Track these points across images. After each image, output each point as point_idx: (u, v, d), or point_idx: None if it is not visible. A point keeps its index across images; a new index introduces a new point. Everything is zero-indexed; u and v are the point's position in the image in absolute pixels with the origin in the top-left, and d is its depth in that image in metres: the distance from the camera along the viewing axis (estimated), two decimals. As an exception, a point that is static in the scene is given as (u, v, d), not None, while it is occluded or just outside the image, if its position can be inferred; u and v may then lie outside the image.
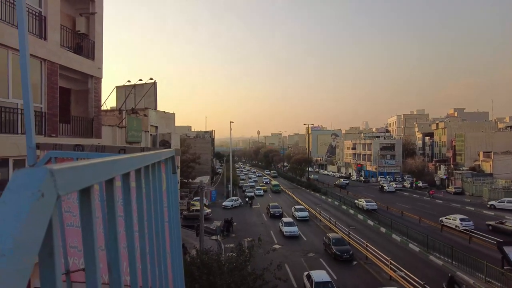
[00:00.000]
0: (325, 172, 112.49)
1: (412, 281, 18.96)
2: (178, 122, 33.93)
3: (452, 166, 68.15)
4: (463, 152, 67.83)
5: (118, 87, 22.92)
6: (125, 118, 17.99)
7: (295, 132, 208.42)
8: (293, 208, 41.90)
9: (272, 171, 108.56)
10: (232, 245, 25.86)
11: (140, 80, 21.94)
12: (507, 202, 40.23)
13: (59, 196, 0.54)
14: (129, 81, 21.65)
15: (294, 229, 31.37)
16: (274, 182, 72.96)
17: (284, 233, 31.12)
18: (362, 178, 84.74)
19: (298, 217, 38.21)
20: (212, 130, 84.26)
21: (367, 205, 42.97)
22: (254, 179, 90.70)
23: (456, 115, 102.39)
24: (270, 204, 44.05)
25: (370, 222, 36.50)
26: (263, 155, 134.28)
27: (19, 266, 0.42)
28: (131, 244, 1.13)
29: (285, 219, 33.82)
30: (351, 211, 43.26)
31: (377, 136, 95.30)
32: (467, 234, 28.42)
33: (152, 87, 22.33)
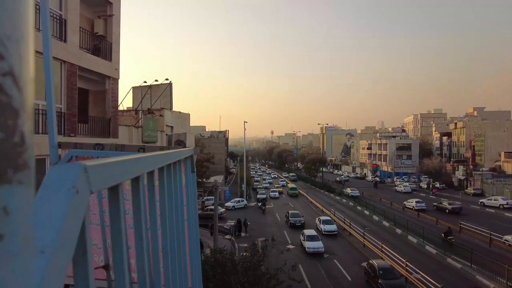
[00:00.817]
0: (339, 172, 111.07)
1: (429, 284, 18.58)
2: (192, 122, 34.32)
3: (471, 166, 66.35)
4: (483, 152, 65.99)
5: (134, 88, 23.29)
6: (141, 118, 18.26)
7: (309, 132, 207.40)
8: (317, 219, 35.42)
9: (291, 174, 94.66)
10: (245, 245, 25.88)
11: (156, 80, 22.25)
12: (494, 200, 44.99)
13: (92, 193, 0.54)
14: (145, 82, 21.97)
15: (319, 244, 26.53)
16: (291, 185, 66.46)
17: (307, 249, 26.29)
18: (377, 179, 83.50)
19: (324, 231, 31.87)
20: (226, 130, 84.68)
21: (351, 192, 56.90)
22: (269, 180, 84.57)
23: (475, 114, 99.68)
24: (289, 211, 38.16)
25: (386, 223, 35.98)
26: (277, 155, 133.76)
27: (58, 263, 0.41)
28: (155, 243, 1.13)
29: (307, 232, 28.37)
30: (366, 212, 42.73)
31: (393, 136, 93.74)
32: (486, 236, 27.85)
33: (167, 87, 22.58)
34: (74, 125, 11.71)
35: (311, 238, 27.18)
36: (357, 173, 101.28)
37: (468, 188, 59.12)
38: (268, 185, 73.74)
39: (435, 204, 43.72)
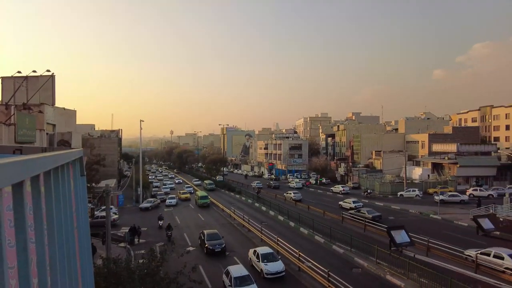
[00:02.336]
0: (239, 171, 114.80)
1: (318, 270, 20.58)
2: (80, 120, 30.94)
3: (350, 163, 76.34)
4: (360, 151, 76.50)
5: (4, 78, 19.84)
6: (14, 114, 15.66)
7: (210, 132, 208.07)
8: (252, 252, 23.11)
9: (206, 181, 73.18)
10: (142, 252, 24.50)
11: (34, 71, 19.33)
12: (336, 188, 60.47)
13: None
14: (19, 72, 18.91)
15: None
16: (201, 193, 52.55)
17: None
18: (273, 176, 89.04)
19: (266, 273, 20.53)
20: (119, 129, 78.71)
21: (218, 178, 79.12)
22: (171, 185, 72.87)
23: (353, 118, 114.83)
24: (205, 232, 27.64)
25: (280, 218, 38.53)
26: (177, 156, 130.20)
27: None
28: (41, 256, 1.00)
29: (234, 271, 18.81)
30: (264, 208, 45.02)
31: (287, 137, 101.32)
32: (362, 223, 32.38)
33: (49, 80, 19.87)
34: None
35: (240, 281, 17.97)
36: (255, 172, 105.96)
37: (348, 183, 67.82)
38: (169, 190, 66.40)
39: (267, 183, 73.02)
